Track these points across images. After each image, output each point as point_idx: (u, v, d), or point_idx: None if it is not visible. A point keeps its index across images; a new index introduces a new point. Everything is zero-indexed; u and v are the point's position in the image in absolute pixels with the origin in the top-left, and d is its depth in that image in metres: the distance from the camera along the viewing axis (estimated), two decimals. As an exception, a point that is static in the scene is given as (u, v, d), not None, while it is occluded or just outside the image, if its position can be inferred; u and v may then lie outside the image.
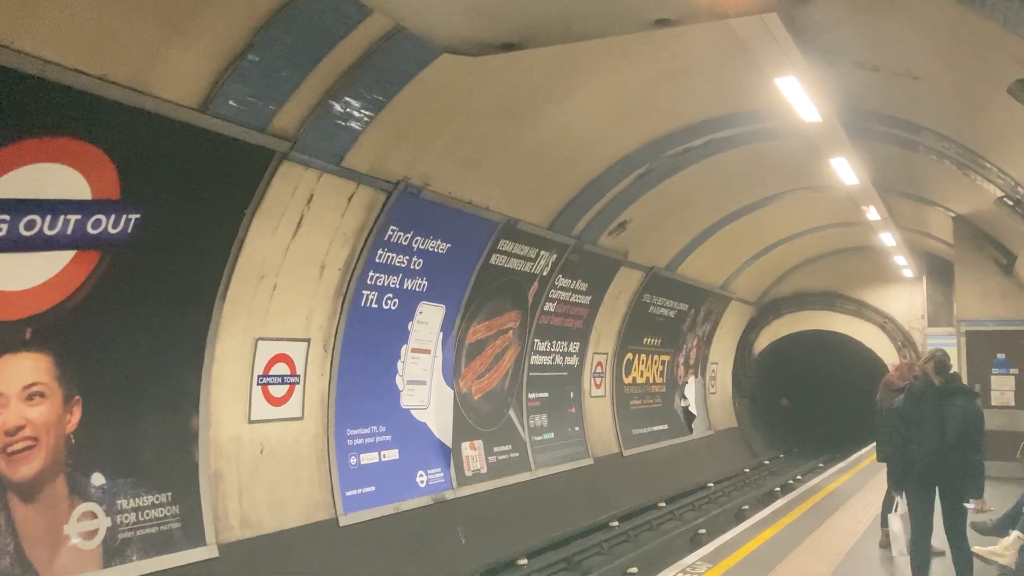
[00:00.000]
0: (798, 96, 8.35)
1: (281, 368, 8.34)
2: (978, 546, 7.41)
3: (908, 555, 7.17)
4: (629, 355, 16.87)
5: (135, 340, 6.81)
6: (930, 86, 8.82)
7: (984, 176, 10.60)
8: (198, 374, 7.38)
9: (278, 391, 8.32)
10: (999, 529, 7.83)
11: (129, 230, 6.43)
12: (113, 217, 6.30)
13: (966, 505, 6.43)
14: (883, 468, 7.72)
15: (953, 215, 14.91)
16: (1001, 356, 14.68)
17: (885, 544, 8.32)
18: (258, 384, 8.08)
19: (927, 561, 6.62)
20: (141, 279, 6.71)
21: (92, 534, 6.44)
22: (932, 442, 6.36)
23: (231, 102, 6.63)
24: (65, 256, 6.13)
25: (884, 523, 8.35)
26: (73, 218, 6.04)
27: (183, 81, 6.27)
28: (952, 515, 6.48)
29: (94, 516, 6.47)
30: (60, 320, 6.17)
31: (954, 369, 6.79)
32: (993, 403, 14.62)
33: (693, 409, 20.38)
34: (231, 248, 7.36)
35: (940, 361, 6.70)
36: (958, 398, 6.48)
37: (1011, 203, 10.71)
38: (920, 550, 6.58)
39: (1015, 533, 7.38)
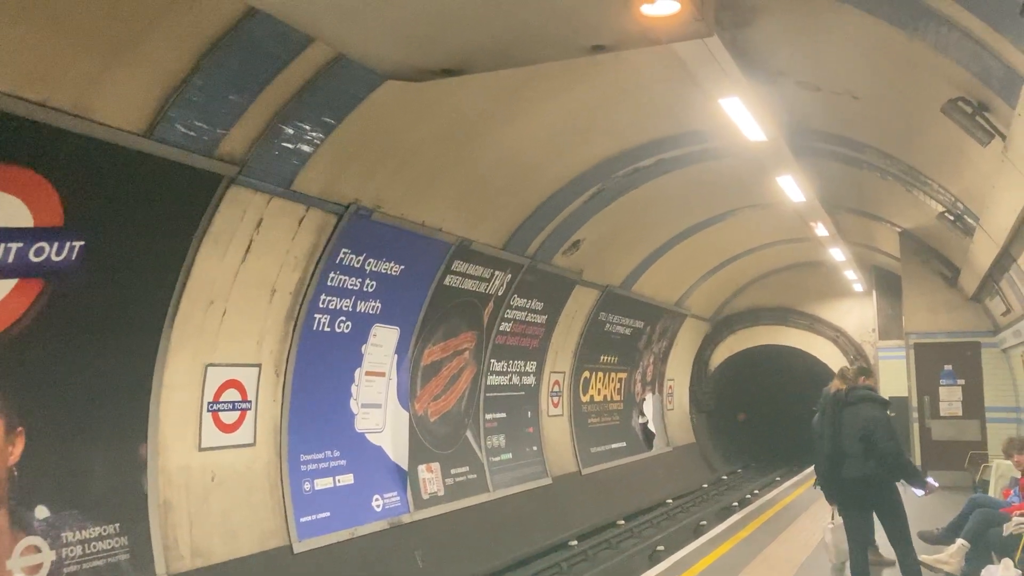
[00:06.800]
0: (742, 116, 8.51)
1: (232, 394, 8.24)
2: (924, 554, 7.55)
3: (837, 564, 7.28)
4: (586, 373, 16.95)
5: (80, 369, 6.68)
6: (870, 105, 9.06)
7: (926, 192, 10.87)
8: (146, 402, 7.26)
9: (229, 417, 8.21)
10: (945, 537, 7.97)
11: (73, 257, 6.33)
12: (56, 245, 6.20)
13: (915, 492, 6.51)
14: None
15: (899, 230, 15.26)
16: (948, 367, 15.01)
17: None
18: (208, 411, 7.98)
19: (866, 572, 6.69)
20: (86, 307, 6.60)
21: (36, 568, 6.28)
22: (827, 451, 6.44)
23: (177, 127, 6.58)
24: (6, 285, 6.01)
25: None
26: (14, 246, 5.93)
27: (127, 106, 6.22)
28: (887, 524, 6.54)
29: (38, 550, 6.31)
30: (1, 350, 6.04)
31: (864, 380, 6.87)
32: (942, 413, 14.95)
33: (651, 426, 20.49)
34: (179, 274, 7.28)
35: (840, 373, 6.83)
36: (862, 406, 6.49)
37: (952, 218, 10.98)
38: (858, 562, 6.64)
39: (960, 541, 7.54)
